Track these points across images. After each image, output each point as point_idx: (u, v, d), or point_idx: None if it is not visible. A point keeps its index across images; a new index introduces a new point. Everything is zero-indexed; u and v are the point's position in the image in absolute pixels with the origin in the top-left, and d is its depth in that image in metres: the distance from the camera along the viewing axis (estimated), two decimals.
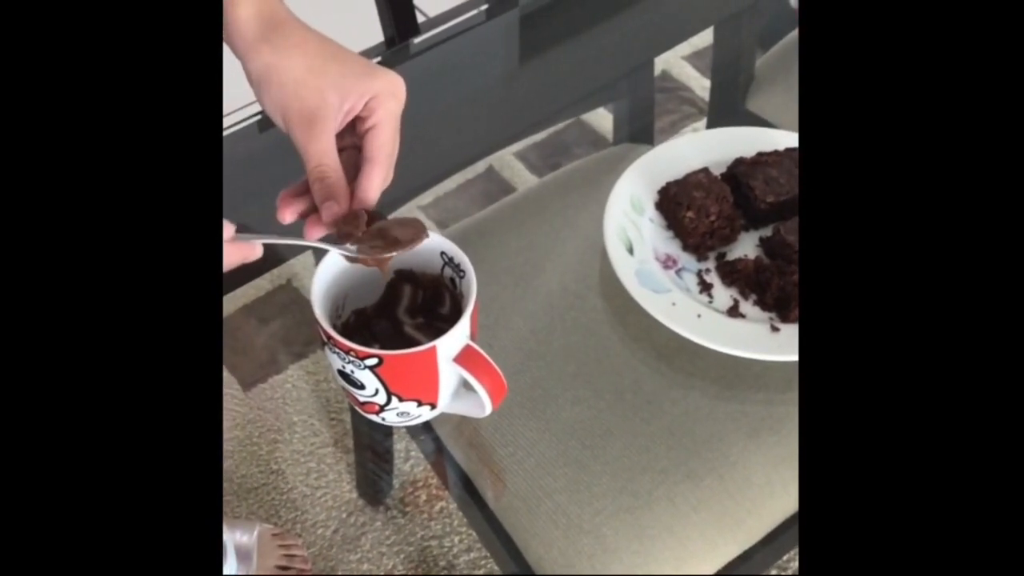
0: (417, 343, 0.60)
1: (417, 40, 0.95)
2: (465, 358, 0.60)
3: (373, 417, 0.64)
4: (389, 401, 0.61)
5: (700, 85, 1.04)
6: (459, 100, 0.94)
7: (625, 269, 0.75)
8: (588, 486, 0.69)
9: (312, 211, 0.58)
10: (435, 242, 0.64)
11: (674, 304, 0.74)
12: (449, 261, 0.64)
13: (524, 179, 1.05)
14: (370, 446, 0.85)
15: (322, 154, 0.55)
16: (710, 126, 0.97)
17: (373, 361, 0.58)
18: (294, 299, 0.94)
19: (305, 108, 0.54)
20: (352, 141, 0.58)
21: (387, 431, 0.81)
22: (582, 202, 0.85)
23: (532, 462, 0.70)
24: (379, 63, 0.59)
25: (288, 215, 0.57)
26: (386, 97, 0.56)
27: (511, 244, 0.83)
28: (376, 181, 0.56)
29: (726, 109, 1.01)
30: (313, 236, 0.57)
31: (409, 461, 0.96)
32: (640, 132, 1.01)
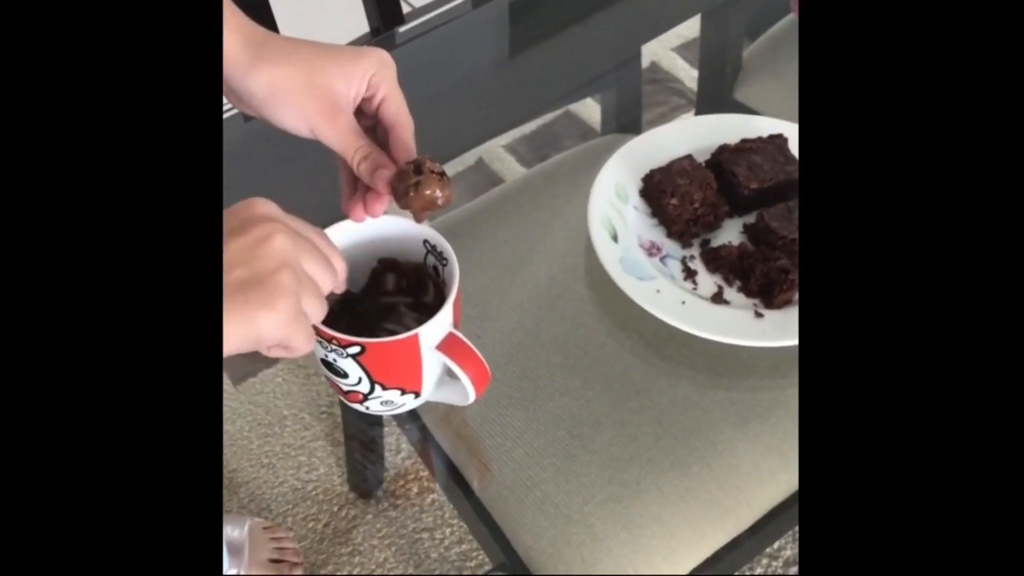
0: (400, 331, 0.60)
1: (402, 30, 0.95)
2: (448, 346, 0.60)
3: (357, 406, 0.63)
4: (372, 390, 0.61)
5: (689, 76, 1.04)
6: (445, 91, 0.94)
7: (609, 257, 0.75)
8: (576, 475, 0.69)
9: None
10: (418, 230, 0.64)
11: (658, 291, 0.74)
12: (432, 249, 0.64)
13: (514, 171, 1.05)
14: (358, 437, 0.85)
15: (355, 138, 0.59)
16: (698, 115, 0.96)
17: (355, 349, 0.58)
18: None
19: (323, 107, 0.58)
20: (364, 124, 0.61)
21: (375, 421, 0.81)
22: (569, 193, 0.85)
23: (520, 452, 0.70)
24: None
25: (361, 212, 0.61)
26: (382, 69, 0.60)
27: (498, 235, 0.83)
28: (407, 136, 0.60)
29: (714, 99, 1.01)
30: (378, 212, 0.61)
31: (400, 454, 0.96)
32: (628, 123, 1.01)
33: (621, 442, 0.70)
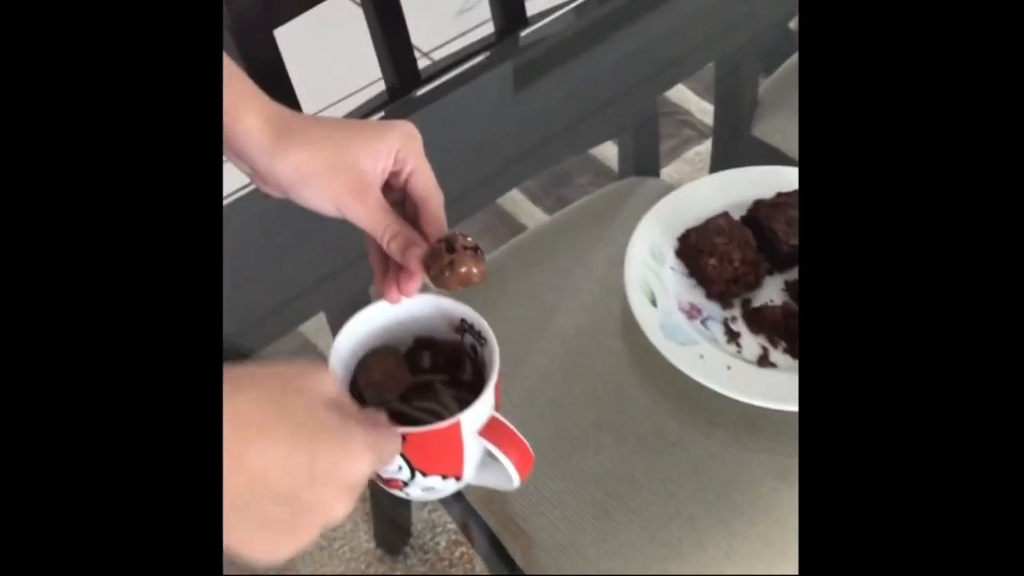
0: (439, 416, 0.58)
1: (419, 93, 0.94)
2: (490, 431, 0.59)
3: (397, 492, 0.62)
4: (413, 477, 0.60)
5: (699, 108, 1.03)
6: (464, 147, 0.93)
7: (650, 324, 0.73)
8: (615, 535, 0.68)
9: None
10: (455, 309, 0.62)
11: (702, 357, 0.72)
12: (469, 328, 0.62)
13: (527, 210, 1.03)
14: (385, 515, 0.84)
15: (384, 215, 0.58)
16: (715, 155, 0.95)
17: None
18: (302, 345, 0.92)
19: (350, 186, 0.58)
20: (392, 198, 0.61)
21: (402, 501, 0.80)
22: (592, 240, 0.83)
23: (557, 514, 0.69)
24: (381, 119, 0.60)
25: (395, 292, 0.60)
26: (408, 143, 0.59)
27: (522, 288, 0.82)
28: (436, 208, 0.60)
29: (731, 136, 1.00)
30: (411, 291, 0.60)
31: (427, 506, 0.95)
32: (646, 164, 0.99)
33: (660, 499, 0.69)
